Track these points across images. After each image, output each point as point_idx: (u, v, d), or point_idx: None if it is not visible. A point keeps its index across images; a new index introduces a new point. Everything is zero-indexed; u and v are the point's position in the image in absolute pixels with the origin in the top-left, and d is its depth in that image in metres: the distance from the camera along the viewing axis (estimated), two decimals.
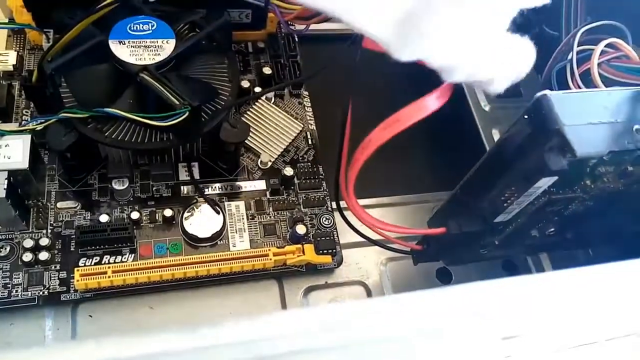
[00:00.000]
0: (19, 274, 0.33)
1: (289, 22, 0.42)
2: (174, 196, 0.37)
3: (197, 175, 0.38)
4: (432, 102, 0.27)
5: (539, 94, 0.24)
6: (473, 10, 0.21)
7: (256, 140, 0.40)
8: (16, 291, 0.32)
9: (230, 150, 0.37)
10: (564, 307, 0.23)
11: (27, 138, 0.33)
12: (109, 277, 0.32)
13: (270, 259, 0.35)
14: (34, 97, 0.36)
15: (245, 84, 0.41)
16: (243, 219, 0.37)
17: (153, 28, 0.36)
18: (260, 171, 0.40)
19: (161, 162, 0.38)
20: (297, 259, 0.35)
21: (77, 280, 0.31)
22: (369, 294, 0.38)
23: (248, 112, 0.41)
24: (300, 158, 0.41)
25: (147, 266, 0.32)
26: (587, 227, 0.34)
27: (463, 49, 0.22)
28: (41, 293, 0.32)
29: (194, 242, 0.36)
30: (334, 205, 0.38)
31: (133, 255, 0.34)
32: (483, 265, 0.39)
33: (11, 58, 0.39)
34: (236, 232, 0.37)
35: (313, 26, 0.44)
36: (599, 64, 0.32)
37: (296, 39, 0.46)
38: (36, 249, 0.33)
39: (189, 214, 0.36)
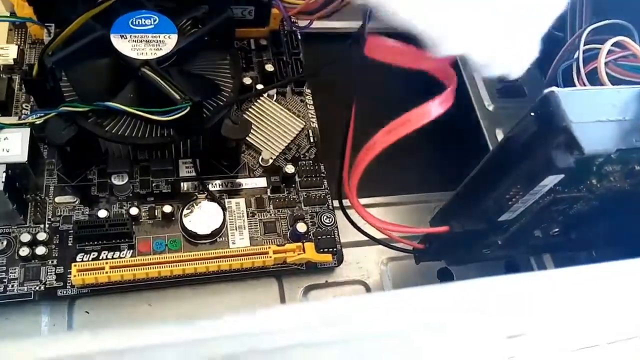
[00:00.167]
0: (15, 269, 0.32)
1: (293, 18, 0.41)
2: (174, 192, 0.37)
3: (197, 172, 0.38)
4: (435, 108, 0.27)
5: (546, 90, 0.24)
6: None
7: (257, 137, 0.40)
8: (12, 286, 0.32)
9: (231, 146, 0.37)
10: (569, 306, 0.23)
11: (27, 131, 0.32)
12: (107, 272, 0.31)
13: (270, 257, 0.34)
14: (34, 91, 0.35)
15: (247, 80, 0.41)
16: (243, 216, 0.37)
17: (155, 23, 0.36)
18: (261, 168, 0.39)
19: (161, 157, 0.38)
20: (297, 257, 0.35)
21: (74, 276, 0.31)
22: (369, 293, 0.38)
23: (250, 109, 0.41)
24: (301, 156, 0.41)
25: (146, 262, 0.32)
26: (592, 227, 0.33)
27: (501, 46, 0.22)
28: (37, 288, 0.32)
29: (193, 238, 0.35)
30: (336, 203, 0.37)
31: (131, 251, 0.34)
32: (485, 266, 0.39)
33: (12, 52, 0.39)
34: (236, 229, 0.36)
35: (316, 24, 0.44)
36: (605, 63, 0.32)
37: (299, 37, 0.46)
38: (33, 243, 0.33)
39: (189, 210, 0.36)
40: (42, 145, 0.36)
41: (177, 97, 0.32)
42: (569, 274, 0.23)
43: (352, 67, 0.29)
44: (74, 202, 0.35)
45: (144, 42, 0.34)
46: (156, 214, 0.36)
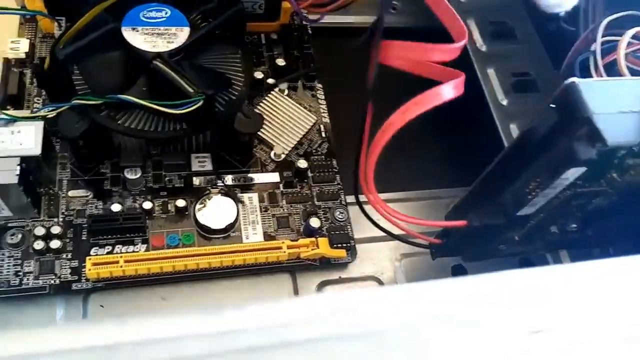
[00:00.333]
0: (30, 262, 0.32)
1: (304, 12, 0.41)
2: (187, 187, 0.37)
3: (209, 167, 0.38)
4: (448, 91, 0.27)
5: (567, 81, 0.24)
6: None
7: (269, 132, 0.40)
8: (27, 279, 0.32)
9: (244, 140, 0.37)
10: (584, 300, 0.22)
11: (40, 124, 0.32)
12: (121, 266, 0.31)
13: (284, 252, 0.34)
14: (46, 85, 0.35)
15: (258, 75, 0.41)
16: (256, 211, 0.37)
17: (167, 15, 0.35)
18: (273, 163, 0.39)
19: (174, 151, 0.37)
20: (311, 252, 0.35)
21: (89, 270, 0.31)
22: None
23: (261, 104, 0.41)
24: (313, 151, 0.40)
25: (160, 256, 0.32)
26: (610, 223, 0.33)
27: None
28: (52, 282, 0.32)
29: (206, 233, 0.35)
30: (352, 198, 0.37)
31: (145, 245, 0.34)
32: (499, 262, 0.39)
33: (23, 46, 0.39)
34: (249, 224, 0.36)
35: (326, 18, 0.44)
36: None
37: (309, 31, 0.46)
38: (47, 237, 0.33)
39: (202, 205, 0.36)
40: (54, 139, 0.36)
41: (190, 90, 0.32)
42: (585, 268, 0.23)
43: (368, 64, 0.29)
44: (87, 196, 0.35)
45: (155, 35, 0.34)
46: (169, 208, 0.35)
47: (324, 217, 0.38)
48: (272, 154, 0.39)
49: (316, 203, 0.38)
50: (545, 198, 0.27)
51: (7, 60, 0.38)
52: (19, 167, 0.30)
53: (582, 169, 0.24)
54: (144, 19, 0.35)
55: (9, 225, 0.33)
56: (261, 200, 0.37)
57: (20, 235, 0.32)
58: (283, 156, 0.39)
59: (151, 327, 0.14)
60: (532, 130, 0.26)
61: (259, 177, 0.38)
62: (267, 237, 0.36)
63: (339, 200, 0.39)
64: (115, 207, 0.34)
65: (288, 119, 0.41)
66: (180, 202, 0.35)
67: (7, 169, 0.30)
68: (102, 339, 0.14)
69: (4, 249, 0.32)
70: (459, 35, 0.28)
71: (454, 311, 0.21)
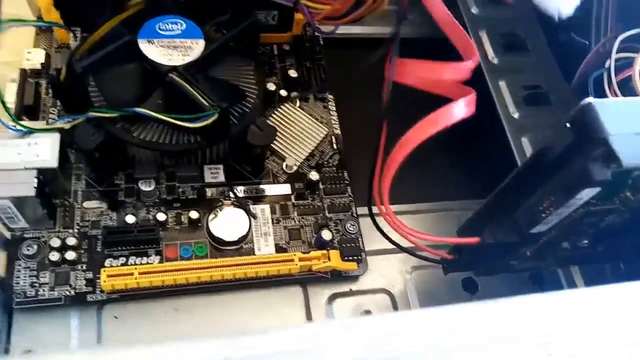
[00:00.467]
0: (45, 273, 0.32)
1: (316, 23, 0.41)
2: (200, 198, 0.37)
3: (222, 178, 0.38)
4: (460, 109, 0.27)
5: (583, 101, 0.24)
6: None
7: (281, 143, 0.40)
8: (43, 290, 0.32)
9: (257, 152, 0.37)
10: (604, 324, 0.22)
11: (56, 136, 0.32)
12: (136, 278, 0.31)
13: (296, 265, 0.34)
14: (62, 95, 0.36)
15: (271, 86, 0.41)
16: (268, 222, 0.37)
17: (182, 28, 0.36)
18: (285, 175, 0.39)
19: (187, 163, 0.38)
20: (322, 265, 0.35)
21: (104, 281, 0.31)
22: (393, 302, 0.37)
23: (273, 115, 0.41)
24: (325, 162, 0.41)
25: (175, 268, 0.32)
26: (621, 239, 0.33)
27: None
28: (68, 293, 0.32)
29: (219, 245, 0.35)
30: (362, 210, 0.37)
31: (159, 257, 0.34)
32: (510, 276, 0.39)
33: (39, 56, 0.39)
34: (261, 235, 0.36)
35: (338, 30, 0.44)
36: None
37: (321, 42, 0.46)
38: (63, 248, 0.33)
39: (215, 216, 0.36)
40: (69, 150, 0.36)
41: (206, 103, 0.33)
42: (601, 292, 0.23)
43: (379, 74, 0.30)
44: (101, 207, 0.35)
45: (171, 48, 0.35)
46: (183, 219, 0.36)
47: (335, 229, 0.38)
48: (284, 166, 0.39)
49: (327, 215, 0.38)
50: (559, 217, 0.27)
51: (23, 71, 0.38)
52: (36, 180, 0.30)
53: (597, 189, 0.24)
54: (159, 32, 0.35)
55: (25, 236, 0.33)
56: (273, 211, 0.38)
57: (36, 247, 0.33)
58: (295, 168, 0.40)
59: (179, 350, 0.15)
60: (547, 149, 0.26)
61: (271, 189, 0.39)
62: (279, 249, 0.36)
63: (350, 212, 0.39)
64: (130, 219, 0.34)
65: (300, 131, 0.41)
66: (194, 214, 0.35)
67: (25, 181, 0.30)
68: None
69: (20, 260, 0.32)
70: (469, 55, 0.28)
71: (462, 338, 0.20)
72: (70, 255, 0.33)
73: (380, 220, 0.31)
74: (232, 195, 0.37)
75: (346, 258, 0.37)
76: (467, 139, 0.43)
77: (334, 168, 0.40)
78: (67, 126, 0.33)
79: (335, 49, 0.47)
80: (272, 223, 0.37)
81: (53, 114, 0.38)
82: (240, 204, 0.37)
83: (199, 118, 0.32)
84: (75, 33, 0.40)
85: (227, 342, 0.16)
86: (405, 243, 0.32)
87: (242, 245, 0.36)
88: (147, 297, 0.33)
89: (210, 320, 0.34)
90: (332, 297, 0.37)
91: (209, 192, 0.37)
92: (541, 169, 0.26)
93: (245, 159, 0.38)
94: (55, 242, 0.33)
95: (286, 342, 0.15)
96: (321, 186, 0.39)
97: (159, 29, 0.35)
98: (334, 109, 0.43)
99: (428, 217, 0.42)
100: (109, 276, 0.31)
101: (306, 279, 0.36)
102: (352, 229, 0.38)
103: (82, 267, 0.33)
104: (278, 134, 0.40)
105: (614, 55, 0.33)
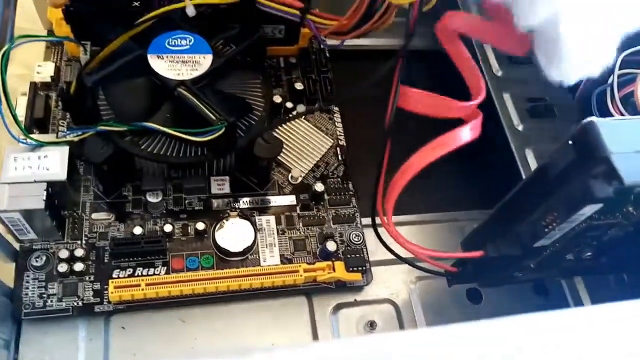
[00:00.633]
0: (54, 284, 0.33)
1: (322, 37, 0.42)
2: (206, 209, 0.37)
3: (227, 189, 0.39)
4: (466, 134, 0.27)
5: (585, 120, 0.24)
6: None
7: (287, 155, 0.41)
8: (51, 301, 0.32)
9: (263, 165, 0.37)
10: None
11: (65, 149, 0.33)
12: (143, 289, 0.32)
13: (301, 275, 0.34)
14: (71, 109, 0.36)
15: (277, 99, 0.42)
16: (273, 233, 0.37)
17: (190, 43, 0.36)
18: (290, 186, 0.40)
19: (194, 175, 0.38)
20: (327, 275, 0.35)
21: (112, 292, 0.31)
22: (398, 312, 0.38)
23: (279, 127, 0.42)
24: (330, 174, 0.41)
25: (181, 279, 0.32)
26: (624, 252, 0.33)
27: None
28: (75, 304, 0.33)
29: (225, 255, 0.36)
30: (366, 220, 0.38)
31: (165, 268, 0.34)
32: (514, 287, 0.39)
33: (49, 69, 0.40)
34: (267, 246, 0.37)
35: (345, 42, 0.45)
36: None
37: (327, 55, 0.47)
38: (71, 259, 0.33)
39: (221, 227, 0.36)
40: (77, 162, 0.37)
41: (213, 117, 0.33)
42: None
43: (385, 86, 0.30)
44: (109, 219, 0.36)
45: (180, 63, 0.35)
46: (189, 231, 0.36)
47: (340, 240, 0.38)
48: (289, 177, 0.40)
49: (332, 226, 0.39)
50: (562, 231, 0.27)
51: (33, 84, 0.39)
52: (45, 193, 0.31)
53: (599, 206, 0.24)
54: (168, 47, 0.36)
55: (34, 247, 0.34)
56: (278, 222, 0.38)
57: (44, 258, 0.33)
58: (300, 179, 0.40)
59: None
60: (549, 166, 0.26)
61: (276, 200, 0.39)
62: (284, 259, 0.37)
63: (354, 223, 0.39)
64: (137, 230, 0.35)
65: (305, 142, 0.42)
66: (200, 225, 0.36)
67: (34, 194, 0.31)
68: None
69: (28, 271, 0.33)
70: (477, 94, 0.28)
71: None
72: (79, 266, 0.33)
73: (383, 232, 0.31)
74: (236, 206, 0.37)
75: (351, 269, 0.37)
76: (472, 151, 0.43)
77: (339, 179, 0.41)
78: (77, 139, 0.33)
79: (341, 61, 0.47)
80: (278, 234, 0.38)
81: (62, 126, 0.39)
82: (245, 216, 0.37)
83: (206, 132, 0.33)
84: (85, 47, 0.40)
85: None
86: (409, 255, 0.32)
87: (247, 256, 0.36)
88: (153, 308, 0.34)
89: (216, 330, 0.34)
90: (337, 308, 0.37)
91: (215, 203, 0.38)
92: (544, 185, 0.26)
93: (252, 170, 0.39)
94: (64, 254, 0.33)
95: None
96: (326, 197, 0.40)
97: (168, 44, 0.36)
98: (339, 120, 0.44)
99: (433, 227, 0.42)
100: (116, 287, 0.31)
101: (311, 290, 0.36)
102: (356, 240, 0.38)
103: (89, 278, 0.33)
104: (284, 145, 0.40)
105: (617, 72, 0.34)
